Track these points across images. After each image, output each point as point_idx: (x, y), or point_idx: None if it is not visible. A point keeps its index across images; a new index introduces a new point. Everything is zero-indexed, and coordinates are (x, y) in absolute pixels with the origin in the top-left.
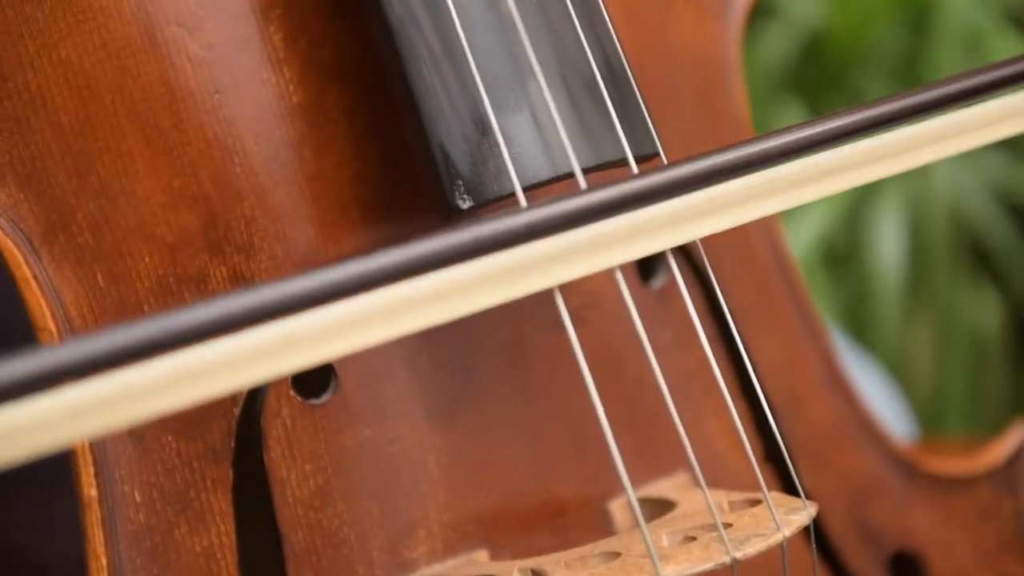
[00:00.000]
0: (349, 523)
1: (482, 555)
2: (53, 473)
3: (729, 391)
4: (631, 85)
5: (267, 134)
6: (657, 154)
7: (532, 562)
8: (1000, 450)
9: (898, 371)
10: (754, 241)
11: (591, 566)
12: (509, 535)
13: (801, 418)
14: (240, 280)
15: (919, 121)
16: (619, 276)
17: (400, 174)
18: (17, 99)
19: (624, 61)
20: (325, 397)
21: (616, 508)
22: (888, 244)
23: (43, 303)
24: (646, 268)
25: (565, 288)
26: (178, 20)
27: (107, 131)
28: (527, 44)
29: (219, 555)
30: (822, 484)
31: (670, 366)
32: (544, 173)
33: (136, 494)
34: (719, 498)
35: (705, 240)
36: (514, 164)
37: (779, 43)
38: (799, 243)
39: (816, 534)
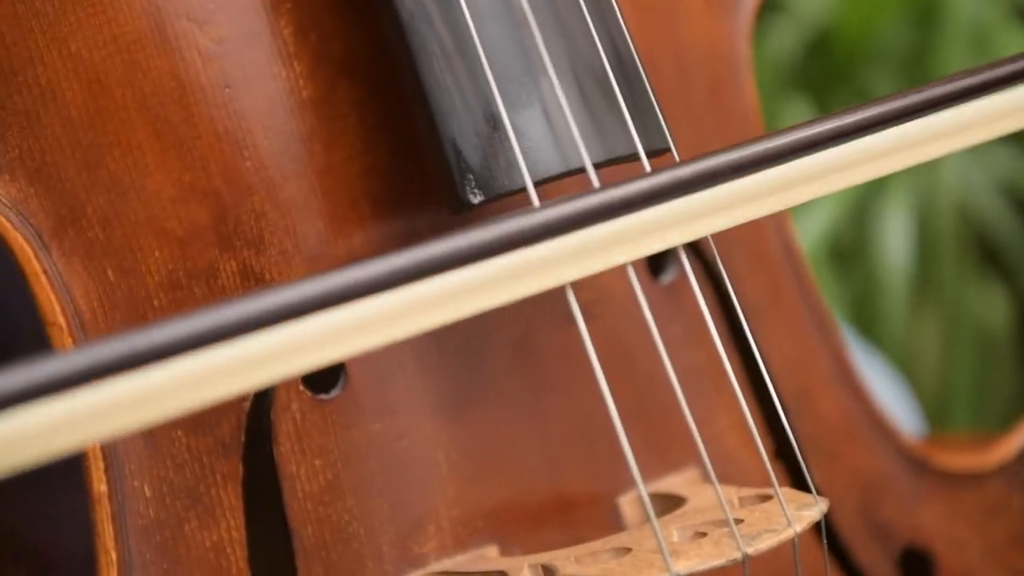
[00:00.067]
0: (359, 518)
1: (492, 550)
2: (60, 469)
3: (740, 387)
4: (642, 80)
5: (277, 128)
6: (668, 149)
7: (542, 557)
8: (1010, 446)
9: (905, 366)
10: (765, 237)
11: (602, 561)
12: (519, 530)
13: (811, 414)
14: (250, 274)
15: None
16: (631, 272)
17: (410, 168)
18: (27, 93)
19: (635, 56)
20: (335, 392)
21: (626, 503)
22: (895, 239)
23: (53, 298)
24: (656, 264)
25: (575, 283)
26: (188, 14)
27: (117, 125)
28: (539, 39)
29: (229, 550)
30: (832, 480)
31: (680, 362)
32: (555, 168)
33: (146, 489)
34: (729, 494)
35: (716, 236)
36: (525, 159)
37: (786, 39)
38: (807, 238)
39: (826, 530)
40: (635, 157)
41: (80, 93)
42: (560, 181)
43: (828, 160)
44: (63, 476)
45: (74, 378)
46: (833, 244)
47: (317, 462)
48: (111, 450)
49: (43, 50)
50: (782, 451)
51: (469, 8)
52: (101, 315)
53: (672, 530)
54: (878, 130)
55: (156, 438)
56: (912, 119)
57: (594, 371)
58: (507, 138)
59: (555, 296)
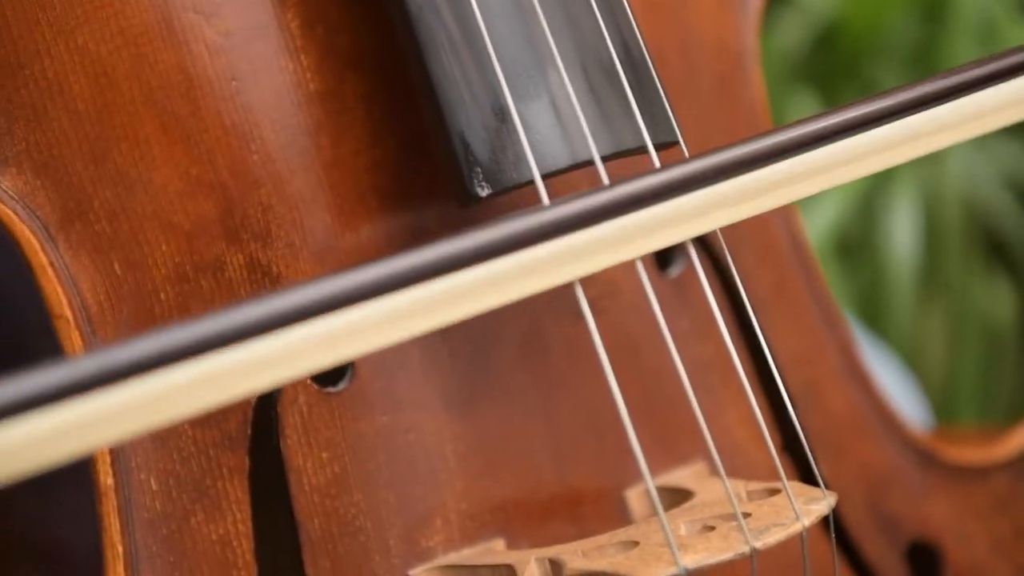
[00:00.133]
0: (366, 511)
1: (499, 544)
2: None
3: (747, 380)
4: (650, 72)
5: (284, 121)
6: (676, 142)
7: (549, 551)
8: (1017, 440)
9: (911, 360)
10: (773, 231)
11: (609, 555)
12: (526, 524)
13: (819, 407)
14: (257, 267)
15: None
16: (640, 267)
17: (418, 161)
18: (34, 86)
19: (643, 49)
20: (342, 385)
21: (633, 497)
22: (902, 233)
23: (60, 290)
24: (663, 258)
25: (583, 278)
26: (195, 7)
27: (124, 118)
28: (547, 31)
29: (235, 543)
30: (840, 474)
31: (687, 355)
32: (563, 160)
33: (152, 482)
34: (737, 487)
35: (724, 230)
36: (533, 151)
37: (793, 32)
38: (813, 232)
39: (834, 524)
40: (643, 150)
41: (87, 86)
42: (568, 174)
43: (835, 153)
44: (69, 471)
45: (84, 383)
46: (839, 238)
47: (324, 455)
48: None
49: (50, 43)
50: (789, 445)
51: (477, 0)
52: (108, 308)
53: (680, 524)
54: (884, 123)
55: (163, 432)
56: (918, 111)
57: (602, 365)
58: (515, 131)
59: (563, 291)
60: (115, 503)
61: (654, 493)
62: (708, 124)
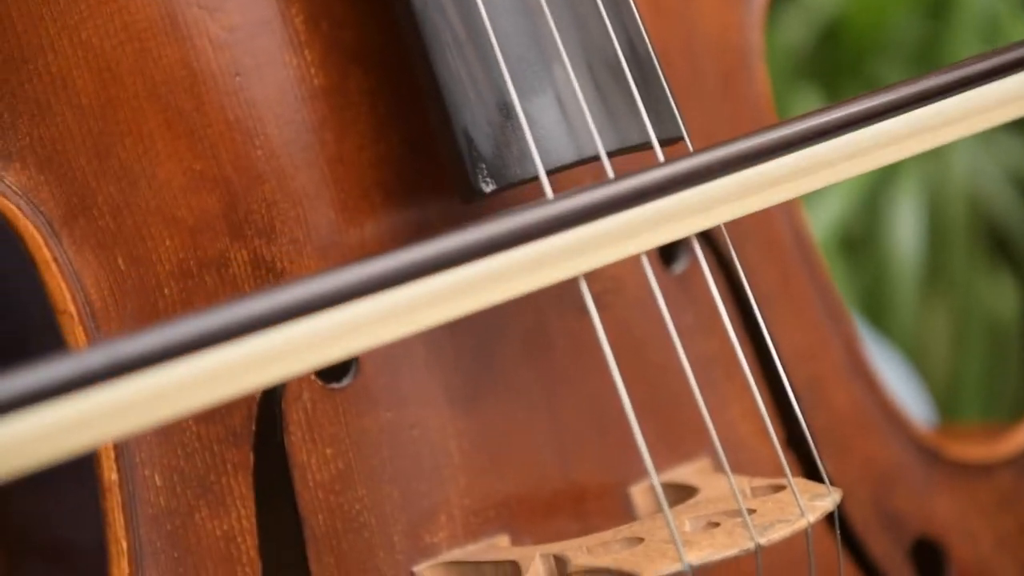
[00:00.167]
0: (370, 507)
1: (503, 540)
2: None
3: (752, 376)
4: (655, 69)
5: (288, 117)
6: (681, 138)
7: (554, 547)
8: (1022, 437)
9: (915, 356)
10: (777, 226)
11: (614, 551)
12: (530, 520)
13: (823, 404)
14: (261, 263)
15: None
16: (645, 261)
17: (422, 157)
18: (38, 81)
19: (649, 45)
20: (346, 381)
21: (637, 493)
22: (905, 229)
23: (63, 286)
24: (667, 253)
25: (588, 273)
26: (200, 2)
27: (128, 113)
28: (552, 28)
29: (239, 539)
30: (844, 471)
31: (691, 351)
32: (568, 156)
33: (156, 478)
34: (742, 484)
35: (728, 225)
36: (538, 147)
37: (797, 29)
38: (816, 228)
39: (839, 521)
40: (648, 146)
41: (91, 81)
42: (573, 170)
43: (840, 148)
44: (73, 466)
45: (88, 377)
46: (843, 234)
47: (328, 451)
48: (122, 440)
49: (54, 38)
50: (793, 441)
51: None
52: (112, 303)
53: (684, 520)
54: (889, 117)
55: (167, 427)
56: (922, 106)
57: (606, 361)
58: (520, 127)
59: (567, 286)
60: (119, 499)
61: (659, 489)
62: (713, 120)
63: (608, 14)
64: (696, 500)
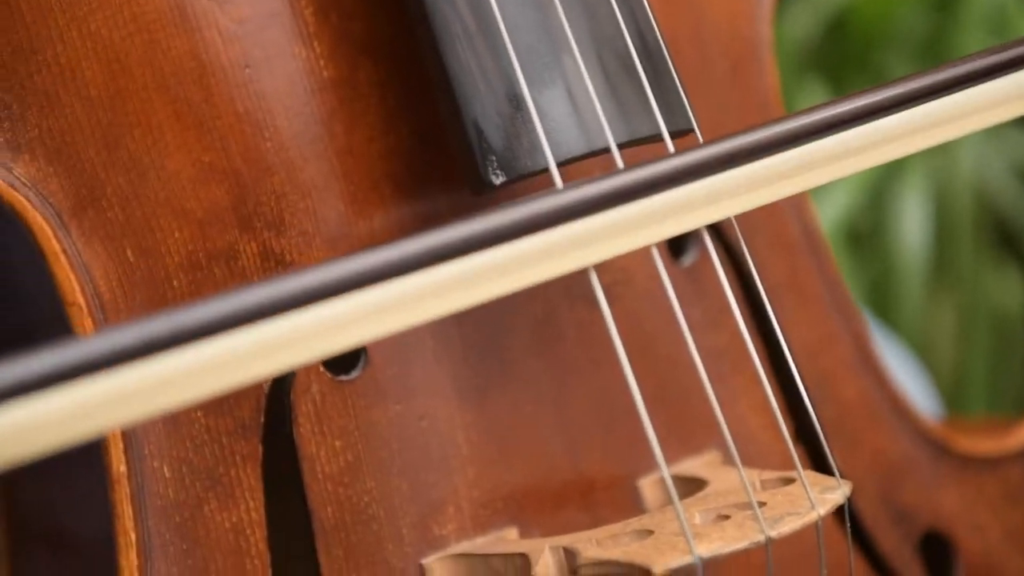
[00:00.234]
0: (379, 499)
1: (512, 532)
2: (79, 450)
3: (762, 368)
4: (666, 61)
5: (297, 109)
6: (691, 130)
7: (563, 540)
8: None
9: (921, 350)
10: (785, 220)
11: (623, 544)
12: (539, 512)
13: (832, 397)
14: (270, 255)
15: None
16: (655, 253)
17: (432, 149)
18: (47, 72)
19: (659, 37)
20: (355, 373)
21: (646, 486)
22: (912, 224)
23: (72, 277)
24: (677, 245)
25: (597, 265)
26: None
27: (137, 105)
28: (563, 19)
29: (248, 531)
30: (853, 464)
31: (701, 343)
32: (578, 148)
33: (165, 470)
34: (752, 476)
35: (738, 218)
36: (548, 139)
37: (803, 21)
38: (823, 222)
39: (848, 514)
40: (658, 138)
41: (100, 73)
42: (583, 162)
43: (849, 140)
44: (82, 457)
45: (96, 363)
46: (850, 228)
47: (337, 443)
48: (130, 431)
49: (63, 29)
50: (802, 434)
51: None
52: (120, 295)
53: (694, 512)
54: (898, 111)
55: (176, 419)
56: (931, 100)
57: (616, 353)
58: (530, 119)
59: (576, 278)
60: (128, 490)
61: (669, 482)
62: (722, 113)
63: (618, 5)
64: (706, 493)
